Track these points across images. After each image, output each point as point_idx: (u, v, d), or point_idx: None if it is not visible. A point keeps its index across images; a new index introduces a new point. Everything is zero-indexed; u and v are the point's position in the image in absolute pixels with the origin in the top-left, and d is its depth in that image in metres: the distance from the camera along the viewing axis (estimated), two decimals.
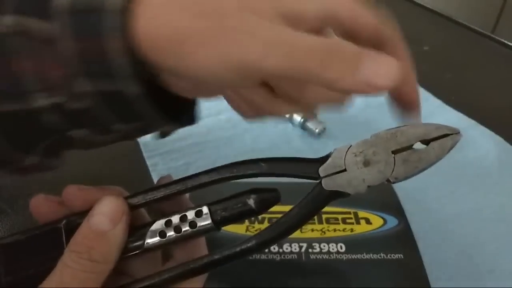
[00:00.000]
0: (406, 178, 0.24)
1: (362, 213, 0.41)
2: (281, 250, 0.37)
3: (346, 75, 0.21)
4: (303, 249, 0.37)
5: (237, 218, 0.26)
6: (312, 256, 0.37)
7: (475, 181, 0.49)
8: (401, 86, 0.26)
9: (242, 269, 0.36)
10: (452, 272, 0.39)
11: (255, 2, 0.23)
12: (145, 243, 0.26)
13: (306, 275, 0.36)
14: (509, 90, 0.66)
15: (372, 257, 0.37)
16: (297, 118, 0.54)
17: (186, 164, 0.50)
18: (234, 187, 0.27)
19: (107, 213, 0.25)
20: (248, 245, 0.25)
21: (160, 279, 0.25)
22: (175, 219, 0.26)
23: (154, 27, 0.23)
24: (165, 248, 0.29)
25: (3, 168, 0.29)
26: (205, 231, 0.26)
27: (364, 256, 0.37)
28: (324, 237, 0.39)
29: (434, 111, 0.58)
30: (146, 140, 0.51)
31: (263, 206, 0.26)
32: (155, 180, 0.47)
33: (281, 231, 0.25)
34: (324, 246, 0.38)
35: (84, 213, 0.26)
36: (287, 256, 0.37)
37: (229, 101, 0.27)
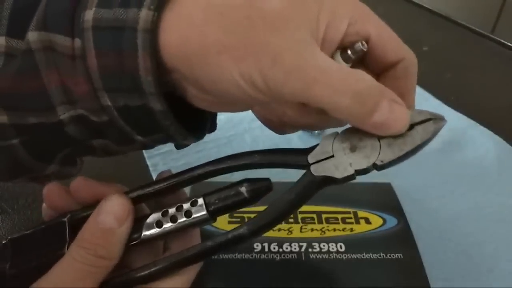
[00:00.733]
0: (392, 161, 0.24)
1: (361, 213, 0.41)
2: (281, 250, 0.37)
3: (361, 116, 0.23)
4: (303, 249, 0.38)
5: (231, 208, 0.27)
6: (311, 256, 0.37)
7: (475, 181, 0.49)
8: None
9: (242, 269, 0.36)
10: (451, 272, 0.39)
11: (286, 17, 0.23)
12: (143, 233, 0.27)
13: (306, 275, 0.36)
14: (509, 90, 0.66)
15: (371, 257, 0.37)
16: None
17: (186, 164, 0.49)
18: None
19: (114, 212, 0.26)
20: (240, 231, 0.25)
21: (155, 268, 0.26)
22: (172, 209, 0.27)
23: (181, 42, 0.23)
24: (163, 241, 0.29)
25: (21, 176, 0.29)
26: (200, 221, 0.27)
27: (363, 256, 0.37)
28: (323, 237, 0.39)
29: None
30: None
31: (255, 194, 0.26)
32: None
33: (273, 218, 0.25)
34: (323, 245, 0.38)
35: (88, 207, 0.27)
36: (287, 256, 0.37)
37: (259, 115, 0.27)
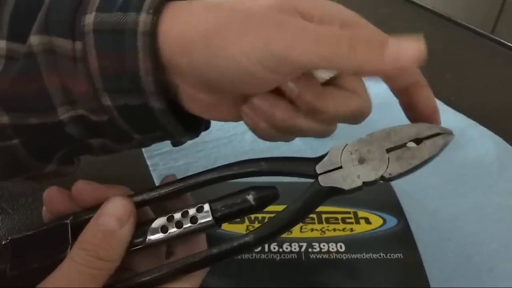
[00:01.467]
0: (400, 174, 0.24)
1: (361, 213, 0.41)
2: (281, 250, 0.37)
3: (373, 56, 0.23)
4: (303, 249, 0.38)
5: (237, 215, 0.27)
6: (312, 256, 0.37)
7: (475, 181, 0.49)
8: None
9: (242, 269, 0.36)
10: (451, 272, 0.39)
11: (281, 3, 0.24)
12: (147, 238, 0.27)
13: (306, 275, 0.36)
14: (509, 90, 0.66)
15: (371, 257, 0.37)
16: None
17: (186, 164, 0.50)
18: (235, 187, 0.27)
19: (115, 214, 0.26)
20: (246, 239, 0.25)
21: (160, 273, 0.26)
22: (177, 214, 0.27)
23: (182, 28, 0.24)
24: (168, 245, 0.29)
25: (20, 175, 0.30)
26: (206, 227, 0.27)
27: (363, 256, 0.37)
28: (323, 237, 0.39)
29: None
30: None
31: (262, 202, 0.26)
32: (155, 180, 0.48)
33: (279, 227, 0.25)
34: (323, 245, 0.38)
35: (90, 210, 0.27)
36: (287, 256, 0.37)
37: (248, 121, 0.28)
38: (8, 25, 0.26)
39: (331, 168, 0.25)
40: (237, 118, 0.28)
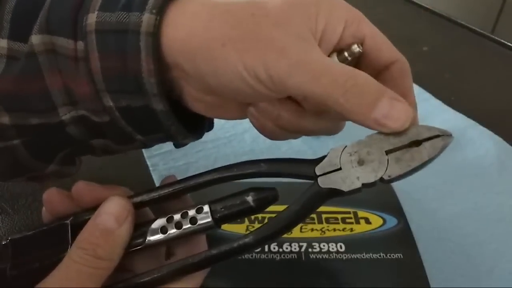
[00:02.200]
0: (399, 176, 0.24)
1: (361, 213, 0.41)
2: (281, 250, 0.37)
3: (363, 108, 0.23)
4: (303, 249, 0.38)
5: (237, 216, 0.27)
6: (311, 256, 0.37)
7: (474, 181, 0.49)
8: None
9: (242, 268, 0.36)
10: (451, 272, 0.39)
11: (288, 15, 0.24)
12: (147, 239, 0.27)
13: (306, 275, 0.36)
14: (509, 90, 0.66)
15: (371, 257, 0.37)
16: None
17: (186, 164, 0.50)
18: (234, 187, 0.27)
19: (113, 213, 0.26)
20: (246, 240, 0.25)
21: (160, 274, 0.26)
22: (177, 215, 0.27)
23: (186, 36, 0.24)
24: (167, 246, 0.29)
25: (21, 176, 0.30)
26: (205, 228, 0.27)
27: (363, 256, 0.37)
28: (323, 237, 0.39)
29: (434, 111, 0.58)
30: None
31: (262, 204, 0.26)
32: (155, 180, 0.48)
33: (278, 228, 0.25)
34: (323, 245, 0.38)
35: (90, 210, 0.27)
36: (287, 256, 0.37)
37: (254, 121, 0.28)
38: (9, 24, 0.26)
39: (331, 169, 0.25)
40: (243, 116, 0.28)
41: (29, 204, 0.45)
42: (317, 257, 0.37)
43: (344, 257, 0.37)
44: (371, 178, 0.25)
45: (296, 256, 0.37)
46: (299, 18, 0.24)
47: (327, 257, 0.37)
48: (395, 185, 0.44)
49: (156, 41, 0.23)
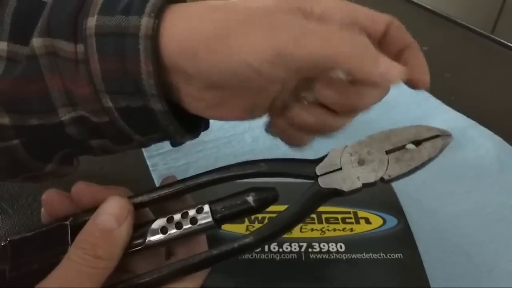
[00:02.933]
0: (399, 176, 0.24)
1: (361, 213, 0.41)
2: (281, 250, 0.37)
3: (369, 65, 0.24)
4: (303, 249, 0.38)
5: (237, 216, 0.27)
6: (311, 256, 0.37)
7: (474, 181, 0.49)
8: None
9: (242, 268, 0.36)
10: (451, 272, 0.39)
11: (281, 3, 0.25)
12: (147, 239, 0.27)
13: (306, 275, 0.36)
14: (509, 90, 0.66)
15: (371, 257, 0.37)
16: None
17: (186, 164, 0.50)
18: (235, 187, 0.27)
19: (113, 213, 0.26)
20: (246, 240, 0.25)
21: (160, 274, 0.26)
22: (177, 215, 0.27)
23: (187, 32, 0.24)
24: (168, 246, 0.29)
25: (19, 176, 0.30)
26: (205, 228, 0.27)
27: (363, 256, 0.37)
28: (323, 237, 0.39)
29: (433, 111, 0.58)
30: None
31: (262, 204, 0.26)
32: (155, 180, 0.48)
33: (279, 228, 0.26)
34: (323, 245, 0.38)
35: (90, 211, 0.27)
36: (287, 256, 0.37)
37: (274, 128, 0.29)
38: (10, 26, 0.26)
39: (331, 169, 0.26)
40: (240, 117, 0.28)
41: (29, 204, 0.45)
42: (317, 257, 0.37)
43: (344, 257, 0.37)
44: (371, 178, 0.25)
45: (296, 256, 0.37)
46: (293, 11, 0.25)
47: (327, 257, 0.37)
48: (395, 185, 0.44)
49: (154, 43, 0.24)
